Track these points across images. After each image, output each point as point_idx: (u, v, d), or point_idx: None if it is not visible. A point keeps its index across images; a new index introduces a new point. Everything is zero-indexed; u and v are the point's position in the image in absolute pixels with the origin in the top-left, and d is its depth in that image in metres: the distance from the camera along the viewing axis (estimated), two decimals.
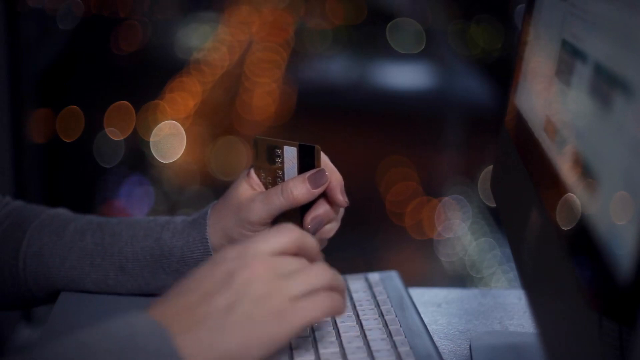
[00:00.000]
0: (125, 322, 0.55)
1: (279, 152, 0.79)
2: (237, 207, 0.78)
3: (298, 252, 0.62)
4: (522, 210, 0.67)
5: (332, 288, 0.60)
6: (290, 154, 0.78)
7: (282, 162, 0.79)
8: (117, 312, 0.79)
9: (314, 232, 0.79)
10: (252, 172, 0.80)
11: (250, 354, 0.56)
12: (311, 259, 0.63)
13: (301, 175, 0.78)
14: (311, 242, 0.63)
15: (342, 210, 0.82)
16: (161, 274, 0.81)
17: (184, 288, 0.58)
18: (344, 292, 0.62)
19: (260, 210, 0.77)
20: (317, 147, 0.78)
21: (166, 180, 2.30)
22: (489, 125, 2.19)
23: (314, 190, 0.77)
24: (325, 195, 0.79)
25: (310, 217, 0.79)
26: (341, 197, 0.79)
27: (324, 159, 0.79)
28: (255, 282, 0.57)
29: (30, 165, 1.91)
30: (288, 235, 0.61)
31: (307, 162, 0.78)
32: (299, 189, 0.77)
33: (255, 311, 0.56)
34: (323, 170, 0.78)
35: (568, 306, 0.51)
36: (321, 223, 0.79)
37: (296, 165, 0.79)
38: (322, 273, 0.60)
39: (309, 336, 0.70)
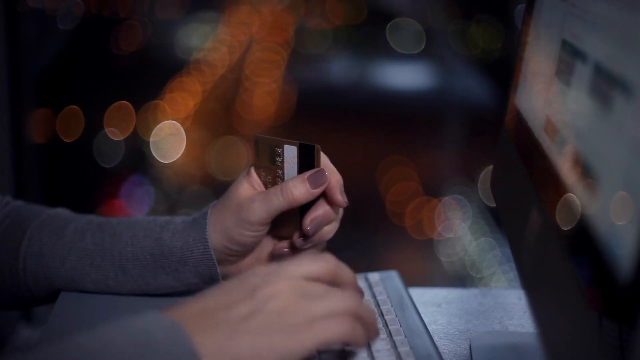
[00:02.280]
0: (142, 320, 0.56)
1: (280, 151, 0.79)
2: (236, 207, 0.78)
3: (332, 282, 0.62)
4: (522, 210, 0.67)
5: (357, 317, 0.59)
6: (290, 153, 0.78)
7: (283, 162, 0.79)
8: (117, 313, 0.79)
9: (313, 233, 0.79)
10: (253, 171, 0.80)
11: None
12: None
13: (301, 175, 0.78)
14: (347, 273, 0.63)
15: (341, 211, 0.82)
16: (161, 273, 0.81)
17: (205, 295, 0.59)
18: (370, 324, 0.61)
19: (260, 210, 0.77)
20: (317, 146, 0.78)
21: (166, 180, 2.30)
22: (489, 125, 2.18)
23: (314, 191, 0.77)
24: (324, 196, 0.79)
25: (309, 218, 0.79)
26: (340, 198, 0.79)
27: (324, 159, 0.79)
28: (276, 298, 0.58)
29: (30, 165, 1.91)
30: (324, 263, 0.62)
31: (307, 162, 0.78)
32: (298, 189, 0.77)
33: (272, 324, 0.57)
34: (322, 170, 0.78)
35: (568, 306, 0.51)
36: (320, 224, 0.79)
37: (296, 164, 0.79)
38: (347, 299, 0.60)
39: None
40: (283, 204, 0.77)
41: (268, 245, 0.83)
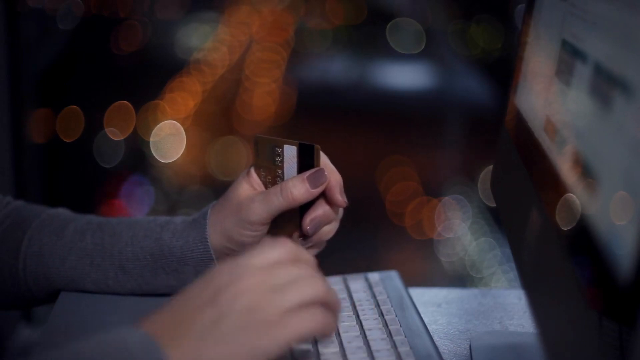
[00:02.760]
0: (116, 334, 0.55)
1: (279, 151, 0.79)
2: (236, 207, 0.78)
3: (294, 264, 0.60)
4: (522, 210, 0.67)
5: (325, 303, 0.58)
6: (290, 152, 0.78)
7: (282, 161, 0.79)
8: (117, 313, 0.80)
9: (312, 233, 0.79)
10: (252, 171, 0.81)
11: None
12: None
13: (300, 175, 0.78)
14: (306, 256, 0.62)
15: (341, 211, 0.82)
16: (161, 273, 0.81)
17: (174, 303, 0.58)
18: (337, 309, 0.60)
19: (260, 210, 0.77)
20: (317, 146, 0.78)
21: (166, 180, 2.30)
22: (489, 125, 2.18)
23: (313, 190, 0.77)
24: (324, 196, 0.79)
25: (309, 218, 0.79)
26: (340, 198, 0.79)
27: (324, 159, 0.79)
28: (244, 295, 0.56)
29: (30, 165, 1.91)
30: (284, 248, 0.60)
31: (306, 162, 0.78)
32: (298, 188, 0.77)
33: (244, 323, 0.55)
34: (322, 170, 0.78)
35: (568, 306, 0.51)
36: (320, 224, 0.79)
37: (296, 164, 0.79)
38: (316, 285, 0.58)
39: None
40: (283, 204, 0.77)
41: None
